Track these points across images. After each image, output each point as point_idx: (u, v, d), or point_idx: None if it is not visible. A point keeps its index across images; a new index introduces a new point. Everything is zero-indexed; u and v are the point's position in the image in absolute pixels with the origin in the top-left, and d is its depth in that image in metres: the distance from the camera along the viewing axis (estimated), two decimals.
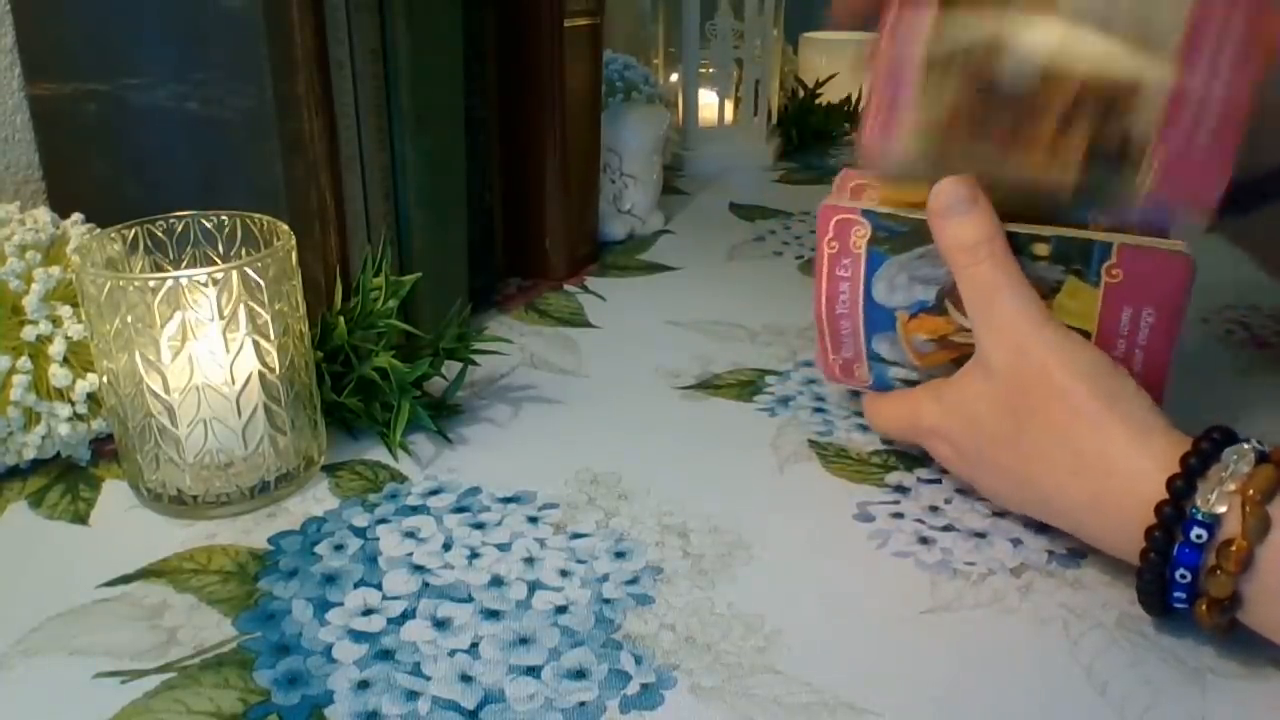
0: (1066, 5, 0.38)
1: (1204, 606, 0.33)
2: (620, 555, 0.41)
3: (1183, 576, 0.33)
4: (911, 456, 0.48)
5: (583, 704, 0.33)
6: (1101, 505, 0.37)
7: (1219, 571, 0.32)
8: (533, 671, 0.35)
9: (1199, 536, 0.33)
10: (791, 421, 0.52)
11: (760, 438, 0.50)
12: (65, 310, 0.45)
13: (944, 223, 0.41)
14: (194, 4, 0.47)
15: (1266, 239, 0.52)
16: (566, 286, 0.69)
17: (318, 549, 0.41)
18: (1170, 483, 0.34)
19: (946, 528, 0.43)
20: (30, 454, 0.45)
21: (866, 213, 0.43)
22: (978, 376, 0.41)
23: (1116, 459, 0.36)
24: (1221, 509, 0.33)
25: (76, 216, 0.49)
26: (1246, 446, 0.34)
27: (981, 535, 0.42)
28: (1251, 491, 0.32)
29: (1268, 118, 0.46)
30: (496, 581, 0.39)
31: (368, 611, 0.38)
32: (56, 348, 0.44)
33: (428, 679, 0.34)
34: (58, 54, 0.54)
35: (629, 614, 0.38)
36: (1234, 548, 0.32)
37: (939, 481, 0.46)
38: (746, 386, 0.55)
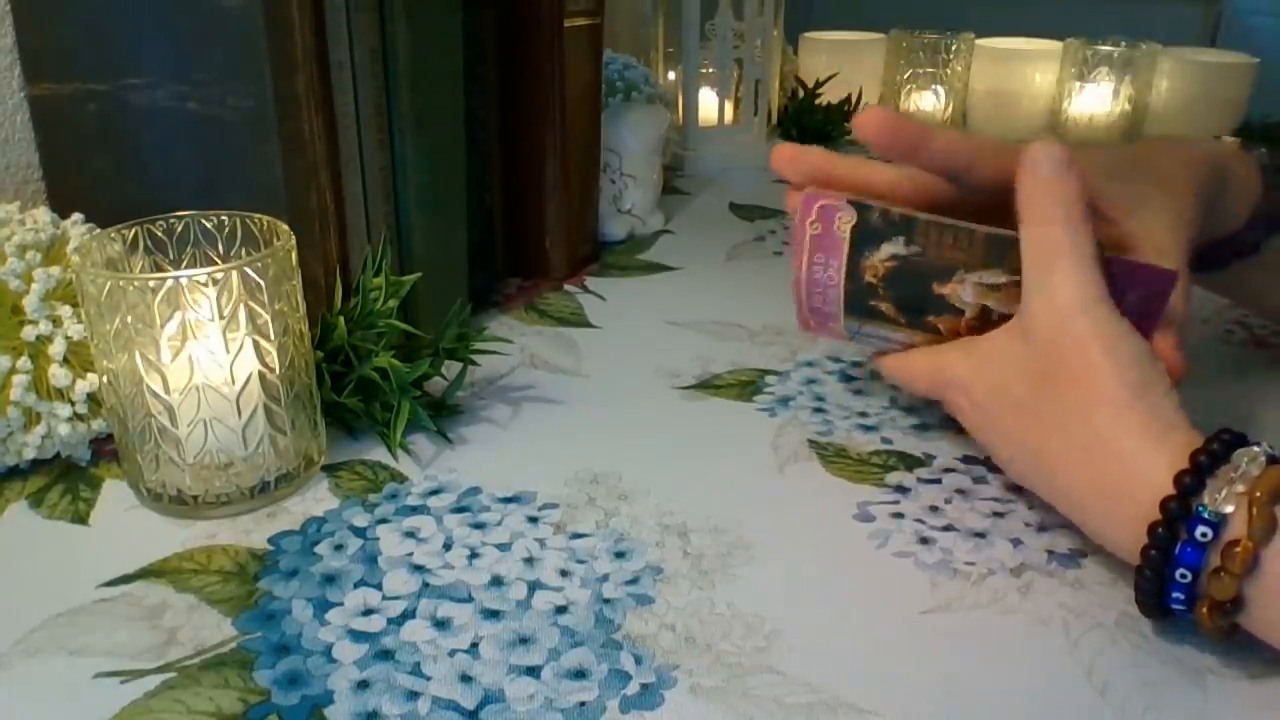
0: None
1: (1205, 609, 0.33)
2: (620, 555, 0.41)
3: (1183, 576, 0.33)
4: (912, 456, 0.48)
5: (583, 704, 0.33)
6: (1107, 491, 0.36)
7: (1222, 573, 0.32)
8: (533, 671, 0.35)
9: (1204, 535, 0.33)
10: (791, 421, 0.52)
11: (760, 438, 0.50)
12: (65, 310, 0.45)
13: (1031, 175, 0.39)
14: (194, 4, 0.47)
15: (1247, 288, 0.53)
16: (566, 286, 0.69)
17: (318, 549, 0.41)
18: (1178, 479, 0.34)
19: (946, 528, 0.43)
20: (30, 454, 0.45)
21: (855, 203, 0.43)
22: (1015, 337, 0.40)
23: (1130, 448, 0.36)
24: (1228, 509, 0.32)
25: (76, 216, 0.49)
26: (1257, 449, 0.34)
27: (981, 535, 0.42)
28: (1259, 493, 0.32)
29: (1229, 179, 0.46)
30: (496, 581, 0.39)
31: (368, 611, 0.38)
32: (56, 348, 0.44)
33: (428, 679, 0.34)
34: (58, 54, 0.54)
35: (629, 614, 0.38)
36: (1239, 549, 0.32)
37: (939, 481, 0.46)
38: (746, 386, 0.55)
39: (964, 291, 0.43)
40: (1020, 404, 0.39)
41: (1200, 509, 0.33)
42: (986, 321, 0.43)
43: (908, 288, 0.44)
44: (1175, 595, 0.34)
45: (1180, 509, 0.33)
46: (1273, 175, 0.47)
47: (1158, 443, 0.35)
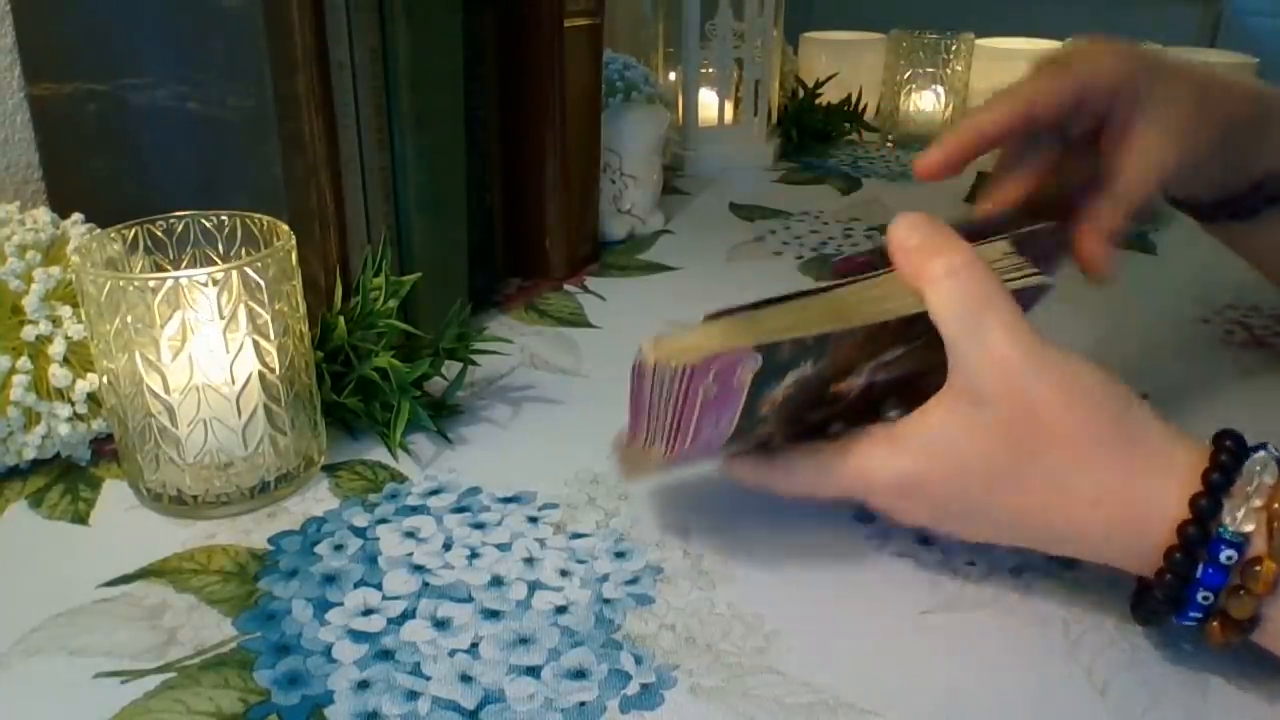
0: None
1: (1218, 625, 0.32)
2: (620, 555, 0.41)
3: (1204, 599, 0.32)
4: None
5: (583, 704, 0.33)
6: (1124, 531, 0.34)
7: (1242, 592, 0.31)
8: (533, 671, 0.35)
9: (1229, 558, 0.31)
10: None
11: None
12: (65, 310, 0.45)
13: (903, 251, 0.37)
14: (194, 4, 0.47)
15: (1268, 245, 0.53)
16: (566, 286, 0.69)
17: (318, 549, 0.41)
18: (1194, 502, 0.32)
19: None
20: (30, 454, 0.45)
21: (760, 346, 0.36)
22: (961, 409, 0.35)
23: (1138, 482, 0.34)
24: (1249, 528, 0.31)
25: (76, 216, 0.49)
26: (1265, 455, 0.32)
27: None
28: (1277, 505, 0.31)
29: (1271, 121, 0.46)
30: (496, 581, 0.39)
31: (368, 611, 0.38)
32: (56, 348, 0.44)
33: (428, 679, 0.34)
34: (58, 54, 0.54)
35: (629, 614, 0.38)
36: (1260, 568, 0.31)
37: None
38: None
39: (859, 379, 0.39)
40: (993, 476, 0.35)
41: (1221, 530, 0.32)
42: (867, 400, 0.40)
43: (802, 400, 0.38)
44: (1192, 614, 0.33)
45: (1199, 533, 0.32)
46: None
47: (1162, 466, 0.34)
